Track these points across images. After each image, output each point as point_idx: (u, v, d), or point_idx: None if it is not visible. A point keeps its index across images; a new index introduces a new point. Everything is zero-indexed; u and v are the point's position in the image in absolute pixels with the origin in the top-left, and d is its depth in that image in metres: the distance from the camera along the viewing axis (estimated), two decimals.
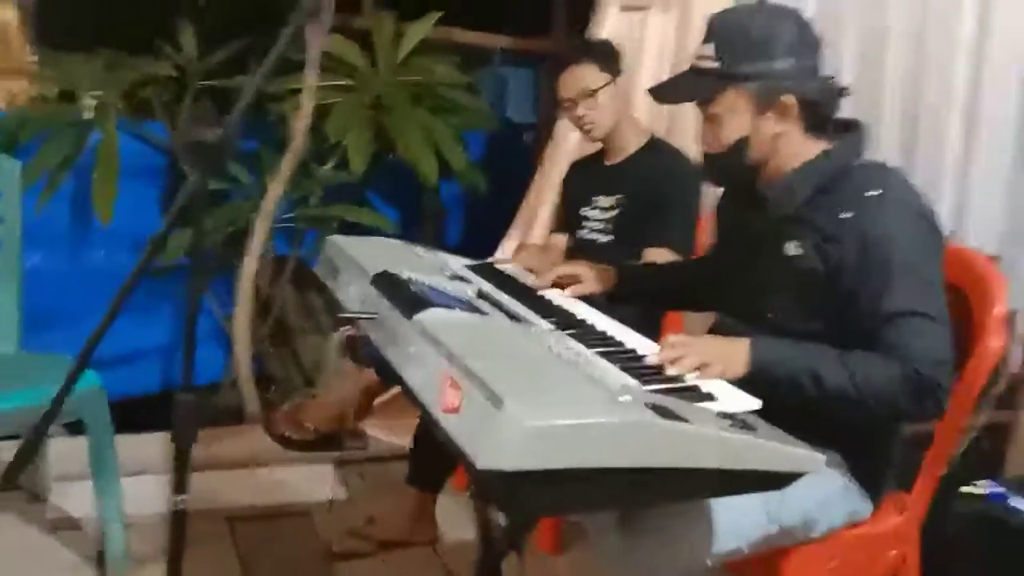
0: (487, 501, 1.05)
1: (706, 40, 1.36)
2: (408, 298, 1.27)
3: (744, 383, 1.23)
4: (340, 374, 2.27)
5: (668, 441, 0.99)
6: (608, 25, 2.69)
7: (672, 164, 2.16)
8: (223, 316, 2.88)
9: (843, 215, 1.30)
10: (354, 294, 1.45)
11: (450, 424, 1.01)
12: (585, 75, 2.11)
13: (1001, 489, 1.81)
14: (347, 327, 1.36)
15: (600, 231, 2.21)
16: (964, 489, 1.82)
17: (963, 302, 1.47)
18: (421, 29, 2.93)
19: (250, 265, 2.59)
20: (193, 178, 1.09)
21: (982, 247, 2.37)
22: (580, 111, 2.12)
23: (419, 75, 2.93)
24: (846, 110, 2.57)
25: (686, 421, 1.01)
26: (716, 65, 1.34)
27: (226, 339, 2.85)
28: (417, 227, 3.46)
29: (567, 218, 2.35)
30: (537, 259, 1.84)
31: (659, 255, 2.05)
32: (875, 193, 1.30)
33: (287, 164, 2.53)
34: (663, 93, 1.48)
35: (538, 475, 0.93)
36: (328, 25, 2.49)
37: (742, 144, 1.36)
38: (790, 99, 1.34)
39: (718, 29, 1.36)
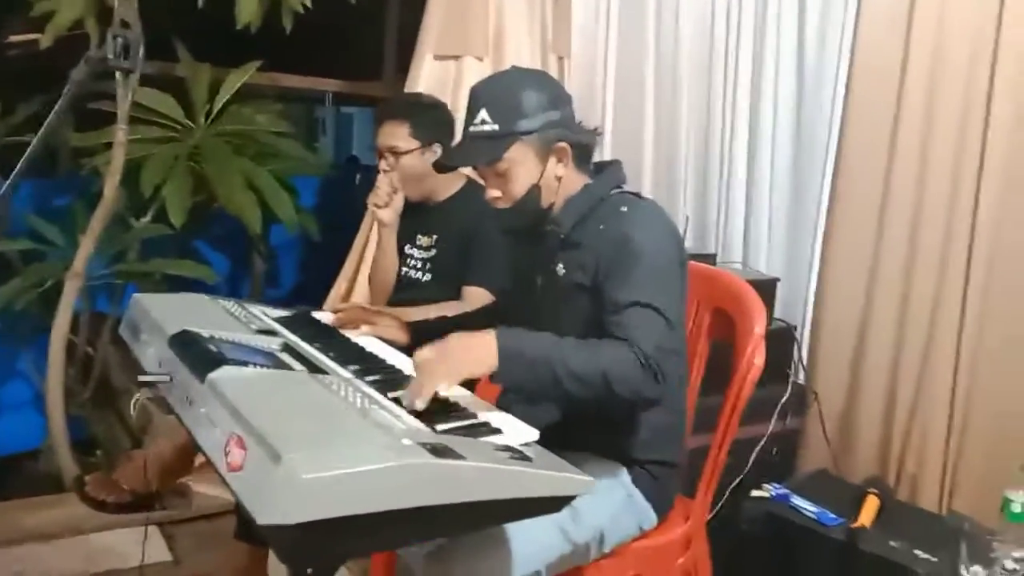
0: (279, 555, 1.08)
1: (476, 109, 1.48)
2: (202, 358, 1.29)
3: (500, 371, 1.30)
4: (159, 431, 2.21)
5: (444, 479, 1.06)
6: (424, 73, 2.77)
7: (485, 206, 2.25)
8: (40, 380, 2.75)
9: (599, 228, 1.48)
10: (152, 355, 1.44)
11: (235, 482, 1.04)
12: (396, 134, 2.15)
13: (785, 490, 2.01)
14: (145, 390, 1.36)
15: (420, 269, 2.28)
16: (754, 493, 2.01)
17: (729, 324, 1.64)
18: (239, 78, 2.93)
19: (61, 324, 2.49)
20: None
21: (768, 271, 2.63)
22: (383, 165, 2.19)
23: (239, 124, 2.93)
24: (648, 151, 2.82)
25: (463, 458, 1.08)
26: (496, 127, 1.46)
27: (44, 404, 2.72)
28: (248, 274, 3.43)
29: None
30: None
31: (475, 294, 2.14)
32: (625, 209, 1.49)
33: (97, 220, 2.47)
34: (455, 159, 1.61)
35: (323, 524, 0.97)
36: (136, 68, 2.46)
37: (533, 192, 1.50)
38: (564, 144, 1.49)
39: (487, 96, 1.48)
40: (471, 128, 1.49)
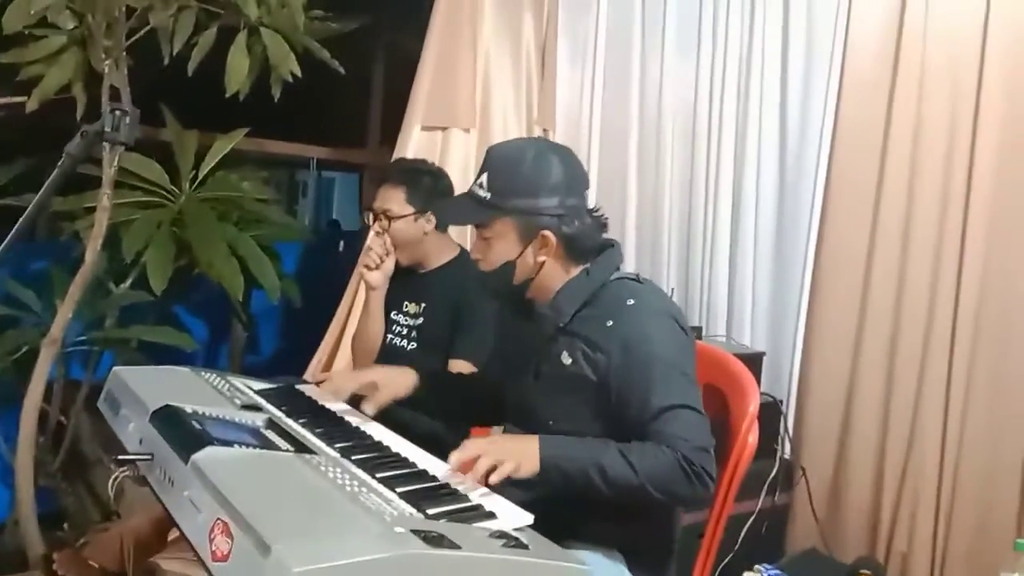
0: None
1: (482, 170, 1.48)
2: (185, 437, 1.25)
3: (539, 478, 1.34)
4: (134, 504, 2.13)
5: (439, 569, 1.02)
6: (412, 142, 2.80)
7: (476, 277, 2.23)
8: (9, 450, 2.66)
9: (607, 324, 1.44)
10: (133, 432, 1.40)
11: (221, 574, 1.00)
12: (391, 198, 2.16)
13: (776, 572, 1.97)
14: (124, 469, 1.31)
15: (406, 337, 2.25)
16: (746, 575, 1.97)
17: (721, 401, 1.62)
18: (225, 145, 2.93)
19: (35, 392, 2.42)
20: None
21: (752, 344, 2.63)
22: (377, 227, 2.18)
23: (224, 190, 2.92)
24: (631, 223, 2.85)
25: (458, 547, 1.05)
26: (488, 196, 1.46)
27: (13, 475, 2.63)
28: (227, 341, 3.38)
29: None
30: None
31: (461, 367, 2.10)
32: (632, 302, 1.45)
33: (76, 285, 2.42)
34: (448, 215, 1.63)
35: None
36: (131, 142, 2.45)
37: (509, 266, 1.49)
38: (550, 234, 1.46)
39: (493, 162, 1.48)
40: (472, 186, 1.50)
